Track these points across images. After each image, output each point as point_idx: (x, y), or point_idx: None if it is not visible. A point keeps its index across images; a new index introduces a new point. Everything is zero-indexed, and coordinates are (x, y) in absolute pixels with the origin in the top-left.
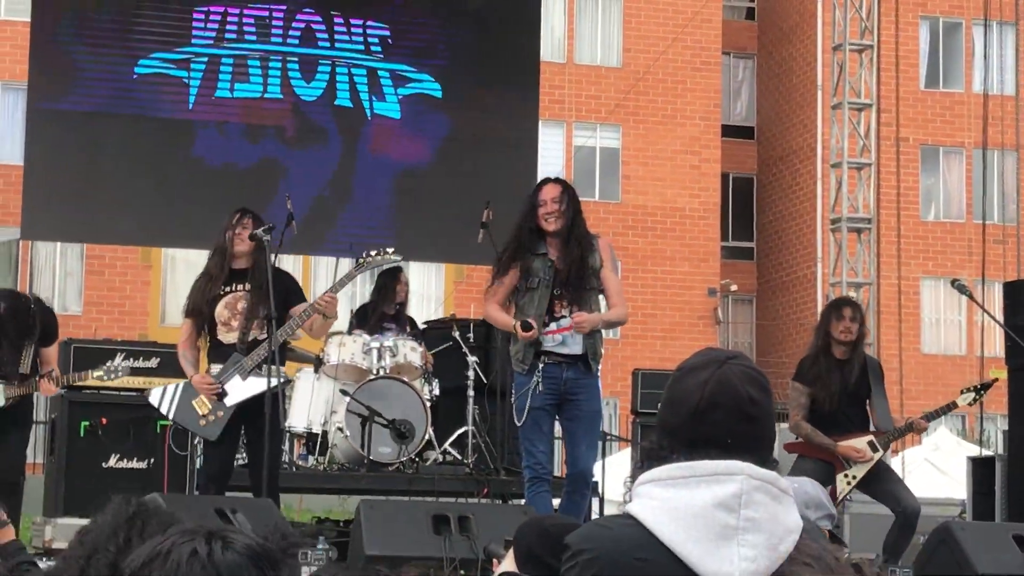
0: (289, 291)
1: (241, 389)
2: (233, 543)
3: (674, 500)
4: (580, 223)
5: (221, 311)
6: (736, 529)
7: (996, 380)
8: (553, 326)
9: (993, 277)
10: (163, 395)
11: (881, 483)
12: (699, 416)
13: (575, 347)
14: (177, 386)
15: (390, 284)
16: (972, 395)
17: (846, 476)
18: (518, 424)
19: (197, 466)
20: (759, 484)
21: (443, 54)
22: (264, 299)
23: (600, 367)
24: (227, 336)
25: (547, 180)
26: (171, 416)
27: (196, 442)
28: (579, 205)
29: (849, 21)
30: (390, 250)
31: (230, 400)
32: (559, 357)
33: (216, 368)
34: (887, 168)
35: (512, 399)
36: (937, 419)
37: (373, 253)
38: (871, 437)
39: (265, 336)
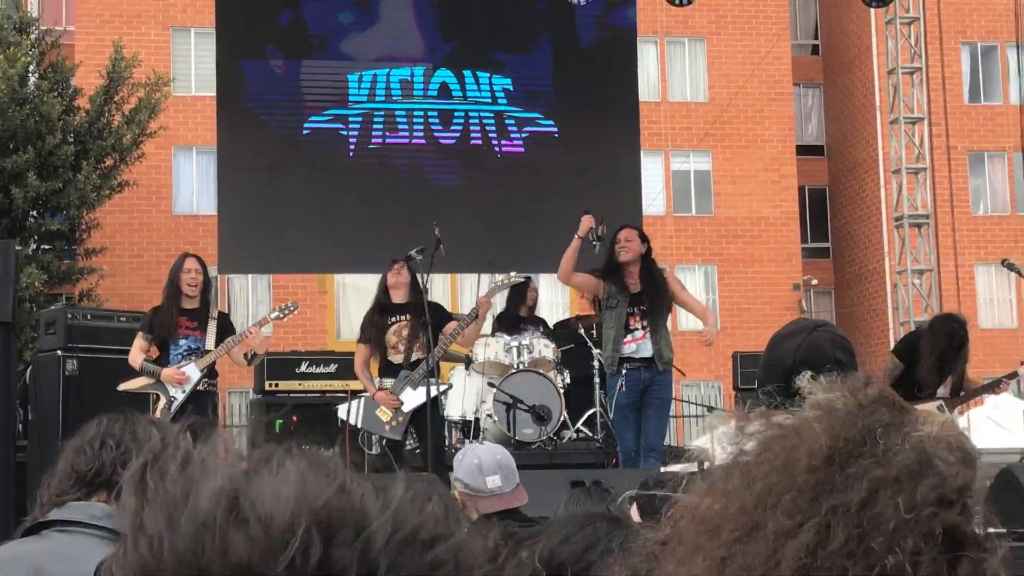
0: (441, 318)
1: (413, 398)
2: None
3: None
4: (650, 258)
5: (390, 338)
6: None
7: None
8: (628, 337)
9: None
10: (349, 410)
11: None
12: (792, 376)
13: (646, 352)
14: (360, 401)
15: (522, 292)
16: None
17: None
18: (610, 417)
19: (372, 452)
20: None
21: (557, 100)
22: (422, 326)
23: (671, 366)
24: (395, 358)
25: (625, 225)
26: (360, 425)
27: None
28: (650, 245)
29: (900, 49)
30: (513, 273)
31: (406, 407)
32: (637, 362)
33: (388, 382)
34: (940, 172)
35: (606, 395)
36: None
37: (500, 278)
38: (940, 402)
39: (423, 355)
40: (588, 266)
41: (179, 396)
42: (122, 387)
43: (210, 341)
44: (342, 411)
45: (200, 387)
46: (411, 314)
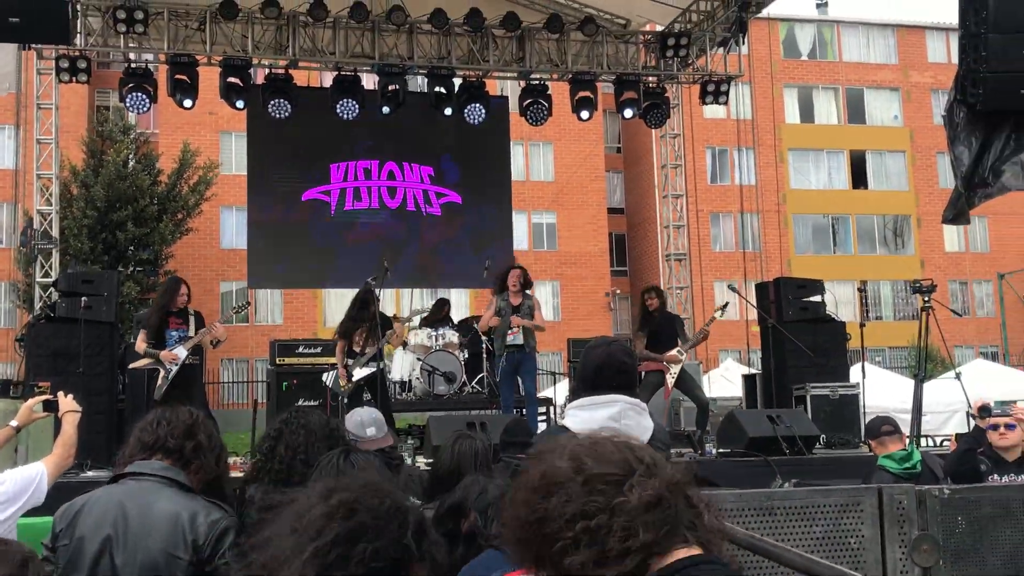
0: (386, 325)
1: (359, 373)
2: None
3: (586, 416)
4: (528, 286)
5: (356, 337)
6: (620, 431)
7: (723, 308)
8: (510, 332)
9: (750, 279)
10: (328, 378)
11: (686, 383)
12: (598, 372)
13: (519, 341)
14: (335, 373)
15: (439, 307)
16: (719, 312)
17: (671, 374)
18: (497, 380)
19: (343, 402)
20: (631, 406)
21: (460, 181)
22: (375, 329)
23: (535, 348)
24: (356, 348)
25: (513, 266)
26: (330, 387)
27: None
28: (528, 277)
29: (668, 152)
30: (419, 307)
31: (355, 378)
32: (514, 347)
33: (350, 362)
34: (693, 226)
35: (491, 365)
36: (706, 331)
37: (407, 314)
38: (679, 348)
39: (371, 346)
40: (477, 280)
41: (173, 369)
42: (131, 366)
43: (191, 330)
44: (326, 378)
45: (187, 361)
46: (370, 324)
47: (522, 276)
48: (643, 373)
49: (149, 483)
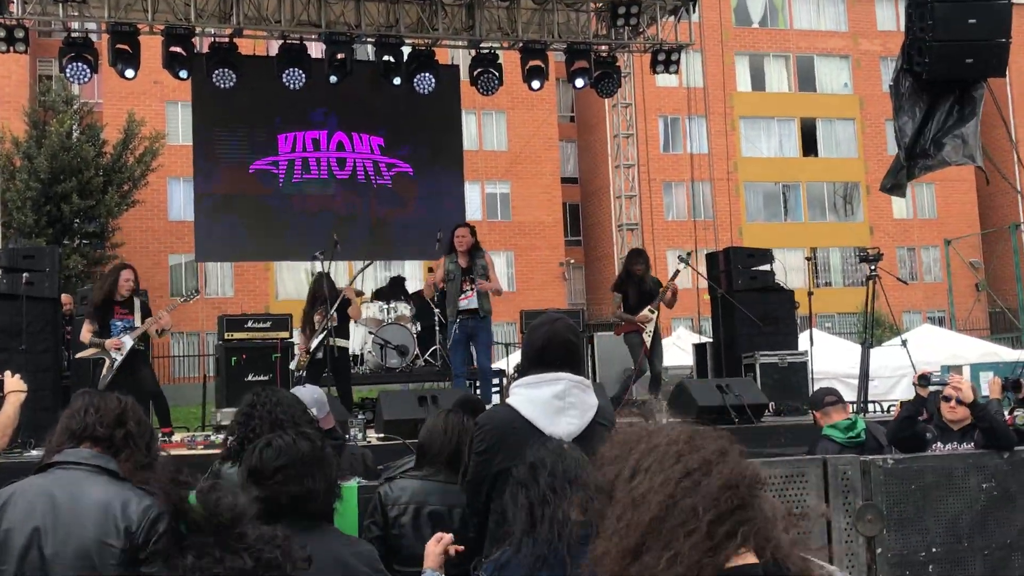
0: (344, 304)
1: (314, 343)
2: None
3: (530, 394)
4: (476, 244)
5: (316, 318)
6: (564, 408)
7: (685, 261)
8: (462, 296)
9: (702, 247)
10: (293, 359)
11: (653, 349)
12: (542, 350)
13: (473, 305)
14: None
15: (398, 283)
16: (682, 265)
17: (647, 332)
18: (448, 348)
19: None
20: (575, 383)
21: (412, 151)
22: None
23: (490, 314)
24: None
25: (461, 224)
26: (292, 367)
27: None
28: (476, 235)
29: (620, 121)
30: (367, 261)
31: (310, 349)
32: (466, 313)
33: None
34: (645, 195)
35: (444, 337)
36: (671, 290)
37: (356, 270)
38: (649, 307)
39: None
40: (429, 252)
41: (118, 358)
42: (78, 356)
43: (137, 319)
44: (292, 365)
45: (134, 346)
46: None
47: (468, 233)
48: (624, 335)
49: (79, 471)
